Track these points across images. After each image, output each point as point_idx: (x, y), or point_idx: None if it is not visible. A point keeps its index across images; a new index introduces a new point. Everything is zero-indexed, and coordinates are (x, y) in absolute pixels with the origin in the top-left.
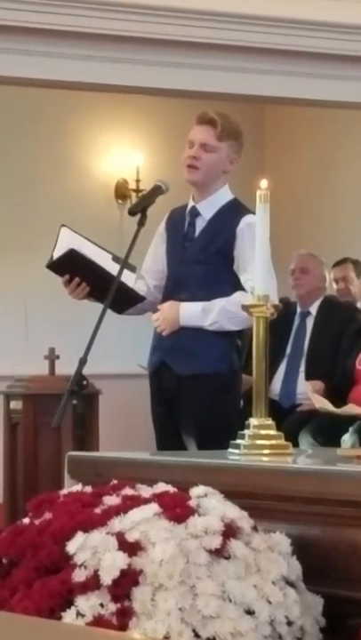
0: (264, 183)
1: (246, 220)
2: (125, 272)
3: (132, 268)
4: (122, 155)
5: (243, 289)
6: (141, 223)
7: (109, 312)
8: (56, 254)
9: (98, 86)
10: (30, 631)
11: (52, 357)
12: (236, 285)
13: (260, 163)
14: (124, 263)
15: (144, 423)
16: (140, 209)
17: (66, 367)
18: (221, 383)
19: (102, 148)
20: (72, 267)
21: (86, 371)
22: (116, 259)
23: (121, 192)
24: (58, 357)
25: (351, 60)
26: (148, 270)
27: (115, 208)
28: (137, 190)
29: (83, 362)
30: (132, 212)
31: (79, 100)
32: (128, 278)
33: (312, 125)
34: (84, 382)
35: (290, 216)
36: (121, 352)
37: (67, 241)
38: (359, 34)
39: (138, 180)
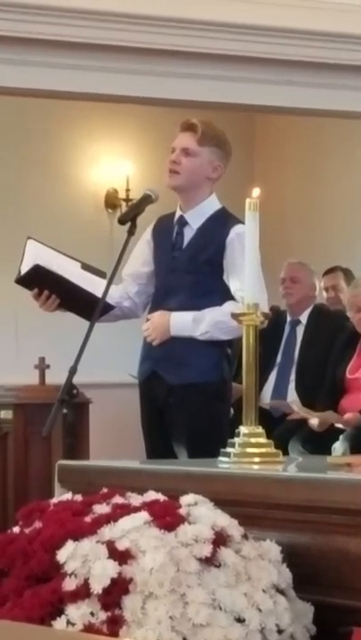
0: (256, 192)
1: (236, 229)
2: (95, 279)
3: (102, 275)
4: (111, 164)
5: (233, 299)
6: (131, 232)
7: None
8: (23, 268)
9: (88, 96)
10: (21, 638)
11: (42, 367)
12: (226, 295)
13: (250, 172)
14: (94, 270)
15: (134, 432)
16: (130, 218)
17: (56, 376)
18: (212, 392)
19: (92, 158)
20: (40, 281)
21: (76, 380)
22: (85, 266)
23: (111, 201)
24: (48, 367)
25: (343, 69)
26: (131, 274)
27: (105, 217)
28: (127, 199)
29: (73, 371)
30: (121, 221)
31: (69, 110)
32: (97, 286)
33: (302, 134)
34: (75, 391)
35: (280, 225)
36: (111, 361)
37: (33, 254)
38: (351, 42)
39: (128, 190)
